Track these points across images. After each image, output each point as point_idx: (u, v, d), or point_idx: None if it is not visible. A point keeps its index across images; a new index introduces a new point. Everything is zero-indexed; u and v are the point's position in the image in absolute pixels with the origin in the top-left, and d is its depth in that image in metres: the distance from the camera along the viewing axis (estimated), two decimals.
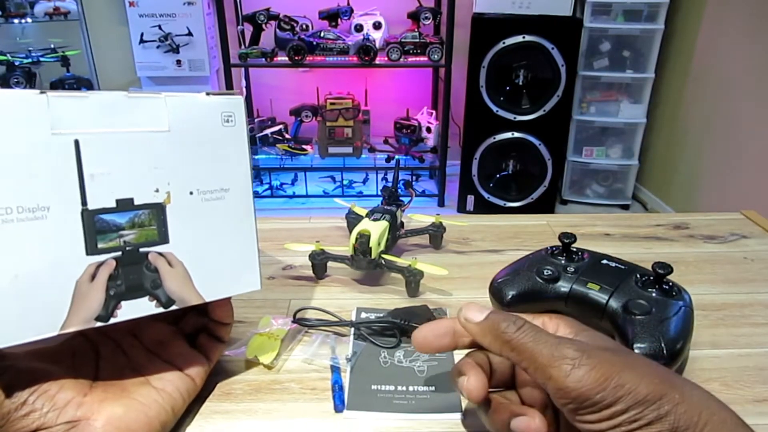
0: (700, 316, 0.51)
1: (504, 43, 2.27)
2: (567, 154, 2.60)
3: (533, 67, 2.34)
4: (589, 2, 2.35)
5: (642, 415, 0.26)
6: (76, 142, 0.32)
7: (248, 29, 2.48)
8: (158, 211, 0.35)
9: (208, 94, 0.37)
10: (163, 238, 0.36)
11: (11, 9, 2.49)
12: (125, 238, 0.34)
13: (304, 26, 2.50)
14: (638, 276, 0.47)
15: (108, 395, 0.35)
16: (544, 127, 2.39)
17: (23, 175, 0.30)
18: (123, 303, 0.35)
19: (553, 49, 2.27)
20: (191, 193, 0.37)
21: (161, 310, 0.37)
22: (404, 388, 0.43)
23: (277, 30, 2.48)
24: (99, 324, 0.34)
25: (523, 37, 2.26)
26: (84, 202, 0.32)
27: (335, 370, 0.45)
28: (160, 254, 0.36)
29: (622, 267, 0.49)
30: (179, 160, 0.36)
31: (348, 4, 2.50)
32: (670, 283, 0.46)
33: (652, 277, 0.46)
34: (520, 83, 2.37)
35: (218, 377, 0.44)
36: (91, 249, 0.33)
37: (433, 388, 0.43)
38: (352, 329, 0.49)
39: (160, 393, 0.37)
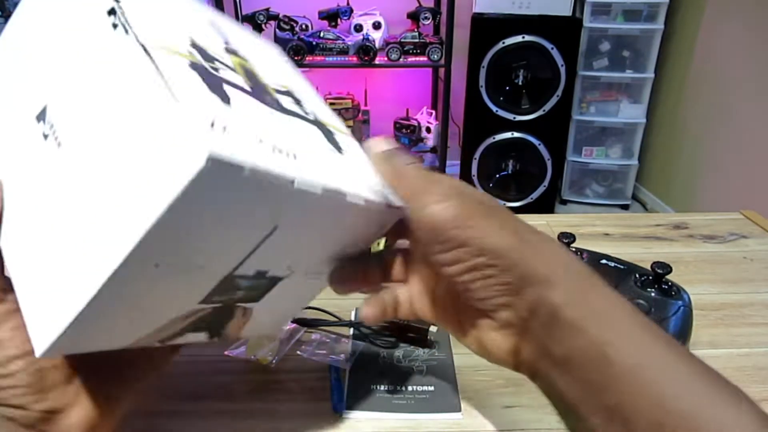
0: (699, 315, 0.51)
1: (504, 43, 2.27)
2: (567, 154, 2.60)
3: (533, 67, 2.34)
4: (589, 2, 2.34)
5: (489, 262, 0.27)
6: (275, 227, 0.28)
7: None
8: (274, 281, 0.34)
9: (389, 206, 0.32)
10: (258, 300, 0.34)
11: (11, 9, 2.49)
12: (235, 296, 0.32)
13: (303, 26, 2.50)
14: (637, 276, 0.47)
15: (87, 386, 0.33)
16: (544, 127, 2.39)
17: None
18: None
19: (552, 49, 2.27)
20: (306, 273, 0.35)
21: (207, 341, 0.35)
22: (404, 388, 0.43)
23: (277, 30, 2.47)
24: (157, 345, 0.32)
25: (523, 37, 2.26)
26: (234, 269, 0.30)
27: (335, 370, 0.45)
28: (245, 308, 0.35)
29: (622, 267, 0.49)
30: (319, 249, 0.34)
31: (348, 4, 2.50)
32: (669, 283, 0.46)
33: (651, 277, 0.46)
34: (520, 83, 2.37)
35: (218, 377, 0.44)
36: (206, 300, 0.31)
37: (432, 388, 0.44)
38: (352, 329, 0.49)
39: (133, 385, 0.35)
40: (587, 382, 0.24)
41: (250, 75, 0.31)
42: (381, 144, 0.33)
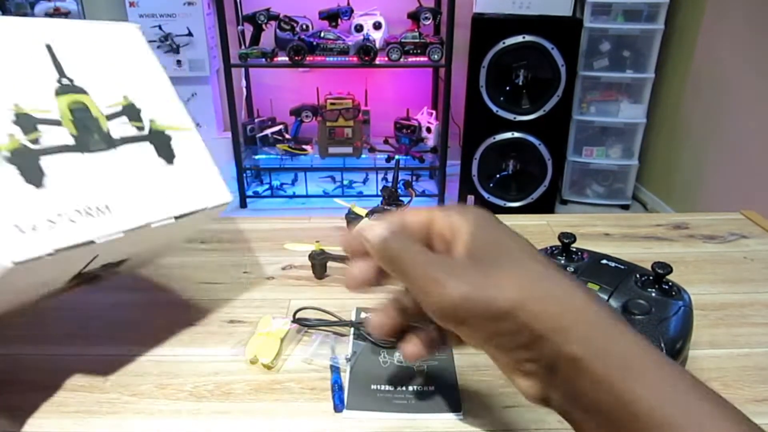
0: (700, 315, 0.51)
1: (504, 43, 2.27)
2: (567, 154, 2.60)
3: (533, 67, 2.34)
4: (589, 2, 2.34)
5: (498, 329, 0.26)
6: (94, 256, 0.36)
7: (248, 29, 2.48)
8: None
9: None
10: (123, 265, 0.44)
11: (11, 9, 2.49)
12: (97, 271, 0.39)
13: (304, 26, 2.50)
14: (638, 276, 0.47)
15: None
16: (544, 127, 2.39)
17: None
18: None
19: (553, 49, 2.26)
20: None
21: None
22: (404, 388, 0.43)
23: (277, 30, 2.47)
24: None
25: (523, 37, 2.26)
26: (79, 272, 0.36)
27: (335, 370, 0.45)
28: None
29: (622, 267, 0.49)
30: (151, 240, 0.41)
31: (348, 4, 2.50)
32: (670, 283, 0.46)
33: (651, 277, 0.46)
34: (520, 83, 2.37)
35: (218, 377, 0.44)
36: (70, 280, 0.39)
37: (433, 388, 0.44)
38: (352, 329, 0.49)
39: None
40: None
41: (79, 115, 0.34)
42: (375, 229, 0.31)
